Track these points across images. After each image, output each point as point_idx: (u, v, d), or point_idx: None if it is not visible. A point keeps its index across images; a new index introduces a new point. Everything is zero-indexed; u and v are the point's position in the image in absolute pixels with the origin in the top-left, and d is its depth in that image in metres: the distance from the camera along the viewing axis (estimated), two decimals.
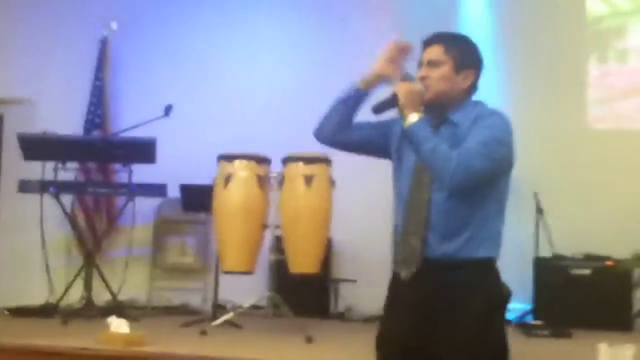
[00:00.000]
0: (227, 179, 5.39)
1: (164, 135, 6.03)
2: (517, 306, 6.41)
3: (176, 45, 7.44)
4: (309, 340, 5.02)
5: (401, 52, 2.79)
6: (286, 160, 5.48)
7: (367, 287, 6.24)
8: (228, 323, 5.44)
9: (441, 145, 2.55)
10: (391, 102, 2.67)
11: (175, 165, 6.55)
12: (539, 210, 6.46)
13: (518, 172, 7.19)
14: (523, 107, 7.06)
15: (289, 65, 7.20)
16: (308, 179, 5.34)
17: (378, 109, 2.70)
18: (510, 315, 6.31)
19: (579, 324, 5.79)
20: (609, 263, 6.14)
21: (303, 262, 5.37)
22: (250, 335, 5.37)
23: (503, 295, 2.64)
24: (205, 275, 7.00)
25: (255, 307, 5.79)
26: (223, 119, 7.07)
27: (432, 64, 2.69)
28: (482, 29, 7.36)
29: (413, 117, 2.60)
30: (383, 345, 2.71)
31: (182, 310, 6.61)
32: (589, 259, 6.32)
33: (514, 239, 6.67)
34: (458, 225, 2.57)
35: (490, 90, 7.46)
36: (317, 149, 5.43)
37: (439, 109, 2.69)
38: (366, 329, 5.27)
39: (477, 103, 2.74)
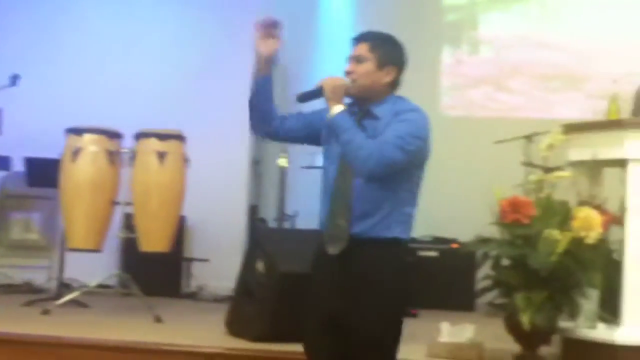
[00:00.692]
0: (76, 153, 5.18)
1: (10, 106, 5.74)
2: None
3: (27, 14, 7.08)
4: (158, 319, 4.92)
5: (270, 28, 2.94)
6: (139, 136, 5.33)
7: (219, 266, 6.19)
8: (73, 302, 5.25)
9: (358, 135, 2.79)
10: (316, 93, 2.87)
11: (21, 137, 6.26)
12: None
13: None
14: None
15: (144, 40, 7.00)
16: (161, 156, 5.21)
17: (302, 98, 2.91)
18: None
19: (426, 305, 5.97)
20: (454, 245, 6.36)
21: (154, 241, 5.24)
22: (97, 315, 5.21)
23: (408, 271, 2.95)
24: (51, 253, 6.73)
25: (103, 286, 5.62)
26: (75, 92, 6.80)
27: (357, 59, 2.93)
28: (341, 17, 7.46)
29: (337, 109, 2.83)
30: (311, 315, 2.95)
31: (25, 289, 6.32)
32: (437, 241, 6.53)
33: None
34: (372, 208, 2.83)
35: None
36: (173, 125, 5.41)
37: (363, 103, 2.91)
38: (217, 309, 5.25)
39: (399, 98, 2.98)
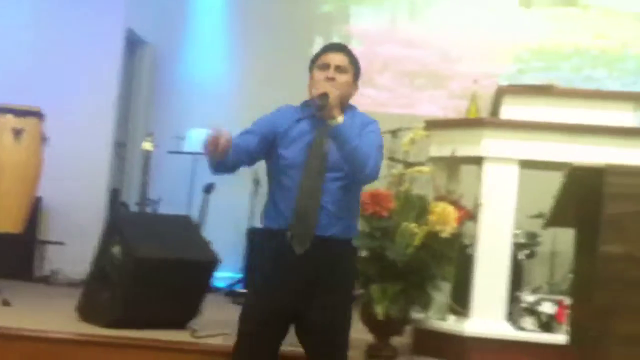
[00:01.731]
0: None
1: None
2: (228, 275, 6.51)
3: None
4: (6, 303, 4.71)
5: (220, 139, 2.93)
6: None
7: (75, 250, 5.98)
8: None
9: (362, 142, 2.94)
10: (322, 104, 2.90)
11: None
12: (256, 182, 6.58)
13: None
14: (251, 84, 7.19)
15: (2, 15, 6.66)
16: (17, 132, 4.97)
17: (319, 108, 2.91)
18: (220, 283, 6.39)
19: None
20: None
21: (6, 221, 5.00)
22: None
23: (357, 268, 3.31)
24: None
25: None
26: None
27: (340, 69, 3.04)
28: (214, 10, 7.37)
29: (340, 118, 2.91)
30: (261, 314, 3.03)
31: None
32: None
33: (229, 208, 6.83)
34: (344, 210, 3.03)
35: (222, 70, 7.58)
36: (30, 102, 5.18)
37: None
38: (70, 294, 5.06)
39: (353, 107, 3.16)
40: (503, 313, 4.26)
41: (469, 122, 4.47)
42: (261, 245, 3.13)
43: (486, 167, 4.27)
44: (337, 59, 3.07)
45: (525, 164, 4.31)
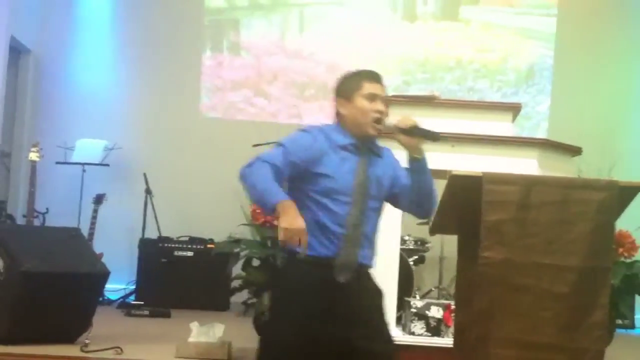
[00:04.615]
0: None
1: None
2: (121, 287, 6.41)
3: None
4: None
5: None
6: None
7: None
8: None
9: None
10: (430, 136, 2.96)
11: None
12: (148, 191, 6.51)
13: (131, 154, 7.25)
14: (140, 93, 7.12)
15: None
16: None
17: (417, 132, 2.95)
18: (112, 295, 6.29)
19: (181, 305, 5.99)
20: (210, 246, 6.39)
21: None
22: None
23: None
24: None
25: None
26: None
27: (385, 101, 2.99)
28: (100, 18, 7.26)
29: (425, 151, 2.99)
30: (305, 346, 2.84)
31: None
32: (193, 241, 6.52)
33: (121, 219, 6.73)
34: (375, 239, 3.05)
35: (109, 79, 7.46)
36: None
37: (365, 141, 2.98)
38: None
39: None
40: (393, 318, 4.33)
41: None
42: (301, 273, 2.90)
43: None
44: (381, 89, 3.00)
45: None
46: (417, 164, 3.00)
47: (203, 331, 4.29)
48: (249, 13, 7.40)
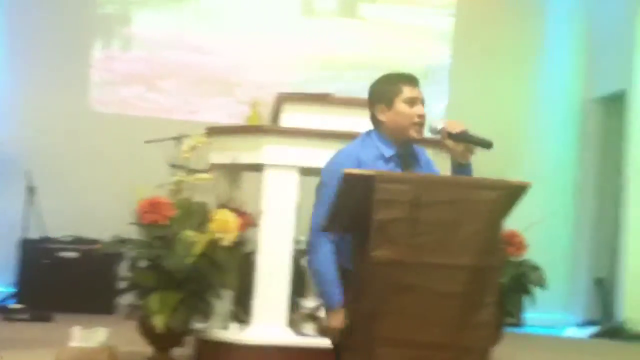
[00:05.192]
0: None
1: None
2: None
3: None
4: None
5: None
6: None
7: None
8: None
9: None
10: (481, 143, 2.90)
11: None
12: (31, 189, 6.23)
13: (12, 150, 6.92)
14: (24, 85, 6.84)
15: None
16: None
17: (466, 138, 2.90)
18: None
19: (65, 308, 5.73)
20: (96, 246, 6.15)
21: None
22: None
23: None
24: None
25: None
26: None
27: (423, 103, 2.95)
28: None
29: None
30: None
31: None
32: (78, 241, 6.27)
33: (1, 218, 6.42)
34: None
35: None
36: None
37: (403, 145, 2.99)
38: None
39: None
40: (284, 320, 4.27)
41: (249, 129, 4.46)
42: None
43: (266, 174, 4.28)
44: (419, 92, 2.97)
45: (307, 171, 4.35)
46: (462, 169, 2.97)
47: (85, 336, 4.10)
48: (141, 5, 7.19)
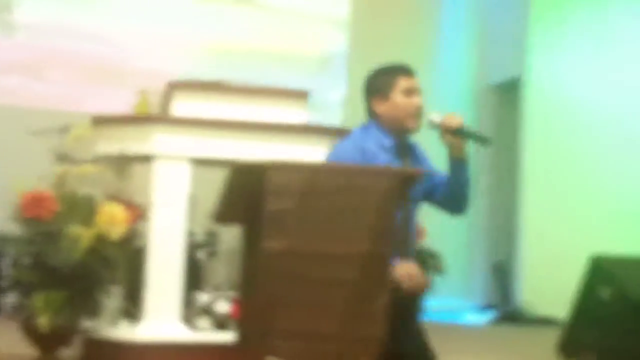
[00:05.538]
0: None
1: None
2: None
3: None
4: None
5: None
6: None
7: None
8: None
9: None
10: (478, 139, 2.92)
11: None
12: None
13: None
14: None
15: None
16: None
17: (464, 133, 2.90)
18: None
19: None
20: None
21: None
22: None
23: None
24: None
25: None
26: None
27: (421, 94, 2.97)
28: None
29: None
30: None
31: None
32: None
33: None
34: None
35: None
36: None
37: (402, 135, 2.97)
38: None
39: None
40: (178, 315, 4.15)
41: (137, 118, 4.32)
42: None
43: (156, 165, 4.13)
44: (416, 82, 2.98)
45: (200, 162, 4.24)
46: (459, 164, 2.93)
47: None
48: None
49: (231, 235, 5.83)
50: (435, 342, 5.29)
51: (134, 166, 4.43)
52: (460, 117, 2.93)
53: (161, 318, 4.09)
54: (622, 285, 4.80)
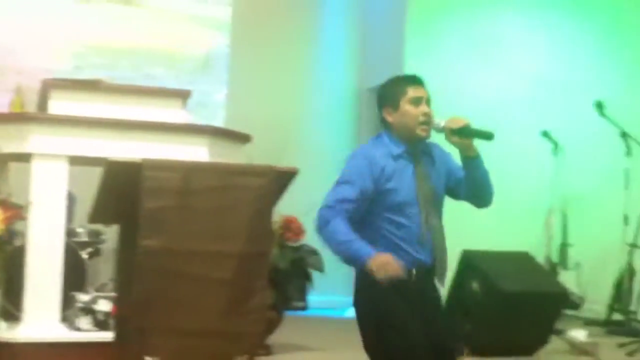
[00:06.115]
0: None
1: None
2: None
3: None
4: None
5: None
6: None
7: None
8: None
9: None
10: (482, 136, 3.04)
11: None
12: None
13: None
14: None
15: None
16: None
17: (467, 133, 3.02)
18: None
19: None
20: None
21: None
22: None
23: None
24: None
25: None
26: None
27: (428, 102, 3.07)
28: None
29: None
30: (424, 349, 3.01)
31: None
32: None
33: None
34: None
35: None
36: None
37: (414, 143, 3.08)
38: None
39: None
40: (57, 315, 4.12)
41: (12, 116, 4.25)
42: (380, 287, 2.92)
43: (34, 164, 4.09)
44: (423, 91, 3.08)
45: (78, 160, 4.21)
46: (472, 162, 3.05)
47: None
48: None
49: (116, 234, 5.79)
50: (319, 335, 5.44)
51: (10, 165, 4.37)
52: (462, 118, 3.08)
53: (41, 318, 4.07)
54: (490, 277, 5.09)
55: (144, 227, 2.94)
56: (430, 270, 3.10)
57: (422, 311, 3.08)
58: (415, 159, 3.11)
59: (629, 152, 5.57)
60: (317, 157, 7.13)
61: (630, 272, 5.82)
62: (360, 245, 2.88)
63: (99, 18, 6.90)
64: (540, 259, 5.93)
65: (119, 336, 3.28)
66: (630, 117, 6.00)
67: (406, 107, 3.08)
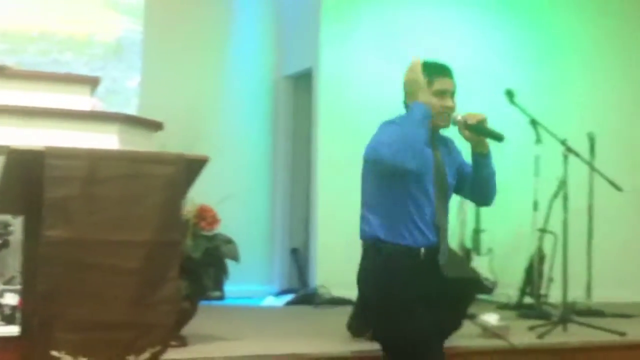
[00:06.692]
0: None
1: None
2: None
3: None
4: None
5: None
6: None
7: None
8: None
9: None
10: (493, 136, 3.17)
11: None
12: None
13: None
14: None
15: None
16: None
17: (478, 130, 3.16)
18: None
19: None
20: None
21: None
22: None
23: None
24: None
25: None
26: None
27: (453, 95, 3.21)
28: None
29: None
30: (433, 326, 3.18)
31: None
32: None
33: None
34: None
35: None
36: None
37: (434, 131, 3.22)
38: None
39: None
40: None
41: None
42: (394, 263, 3.14)
43: None
44: (450, 83, 3.19)
45: None
46: (482, 158, 3.15)
47: None
48: None
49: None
50: (235, 325, 5.40)
51: None
52: (480, 114, 3.17)
53: None
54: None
55: (48, 217, 2.85)
56: (435, 251, 3.23)
57: (429, 292, 3.18)
58: (434, 145, 3.23)
59: (538, 140, 5.67)
60: (233, 145, 7.07)
61: (540, 256, 5.94)
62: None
63: (5, 1, 6.66)
64: (453, 245, 6.02)
65: (24, 330, 3.16)
66: (539, 106, 6.12)
67: (432, 99, 3.18)
